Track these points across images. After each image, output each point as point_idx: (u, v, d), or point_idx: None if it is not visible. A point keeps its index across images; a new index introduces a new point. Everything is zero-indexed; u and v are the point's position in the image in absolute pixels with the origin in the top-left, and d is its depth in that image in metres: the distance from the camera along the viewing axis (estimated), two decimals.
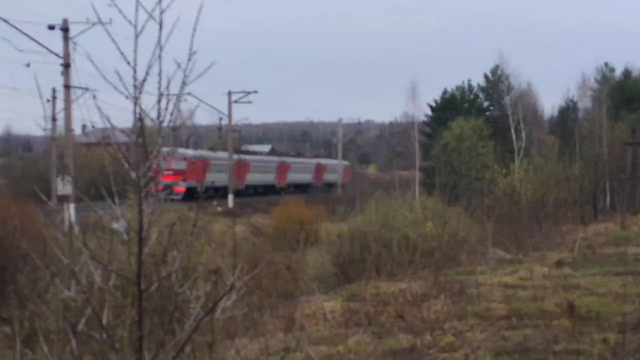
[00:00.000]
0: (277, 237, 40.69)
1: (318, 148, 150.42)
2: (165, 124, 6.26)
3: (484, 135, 63.99)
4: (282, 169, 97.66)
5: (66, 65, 42.23)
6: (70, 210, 34.74)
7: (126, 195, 11.41)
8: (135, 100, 6.22)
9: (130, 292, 6.45)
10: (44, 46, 42.15)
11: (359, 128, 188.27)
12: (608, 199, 65.28)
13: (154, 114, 6.20)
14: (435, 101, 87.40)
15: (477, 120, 66.90)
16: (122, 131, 6.96)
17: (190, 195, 60.56)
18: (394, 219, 25.05)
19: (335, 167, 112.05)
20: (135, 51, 6.17)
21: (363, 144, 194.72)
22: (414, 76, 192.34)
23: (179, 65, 6.24)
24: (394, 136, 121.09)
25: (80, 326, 6.65)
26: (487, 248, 23.98)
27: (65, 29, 42.44)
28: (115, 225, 6.66)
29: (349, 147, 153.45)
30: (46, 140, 74.05)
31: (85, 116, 56.99)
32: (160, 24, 6.17)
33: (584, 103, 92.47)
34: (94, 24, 42.26)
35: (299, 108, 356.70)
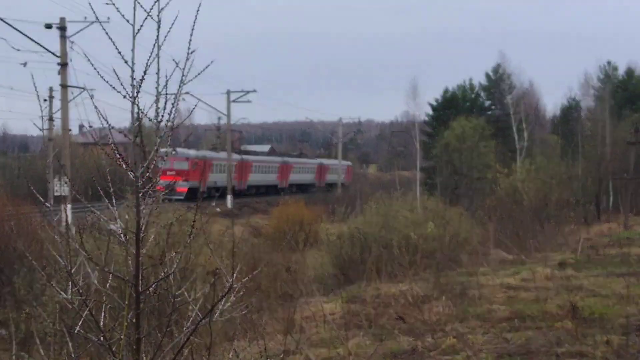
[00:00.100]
0: (277, 238, 40.68)
1: (317, 148, 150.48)
2: (163, 124, 6.18)
3: (485, 134, 63.90)
4: (285, 169, 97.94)
5: (63, 65, 42.17)
6: (67, 211, 34.66)
7: (124, 196, 11.30)
8: (133, 100, 6.15)
9: (128, 294, 6.37)
10: (41, 45, 42.07)
11: (359, 128, 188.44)
12: (611, 199, 65.27)
13: (152, 114, 6.12)
14: (436, 100, 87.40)
15: (478, 120, 66.80)
16: (120, 131, 6.87)
17: (193, 195, 60.94)
18: (395, 220, 25.01)
19: (338, 167, 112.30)
20: (133, 50, 6.10)
21: (363, 143, 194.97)
22: (414, 75, 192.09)
23: (177, 64, 6.17)
24: (394, 136, 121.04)
25: (77, 328, 6.58)
26: (488, 249, 23.95)
27: (62, 28, 42.37)
28: (112, 226, 6.57)
29: (349, 147, 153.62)
30: (43, 140, 74.05)
31: (83, 116, 57.04)
32: (159, 23, 6.10)
33: (587, 102, 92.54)
34: (91, 22, 42.32)
35: (298, 108, 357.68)
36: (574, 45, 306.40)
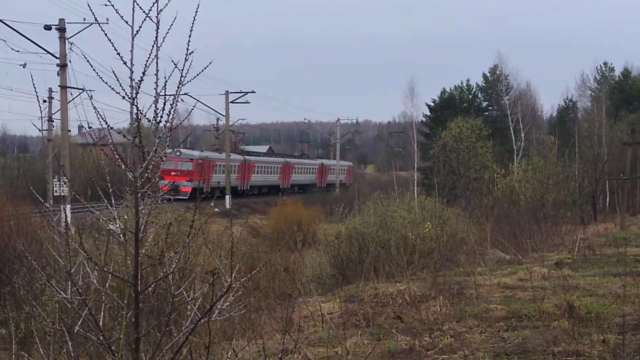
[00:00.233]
0: (275, 238, 40.68)
1: (315, 149, 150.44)
2: (162, 125, 6.21)
3: (482, 135, 63.88)
4: (286, 169, 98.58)
5: (62, 66, 42.17)
6: (67, 211, 34.65)
7: (123, 196, 11.34)
8: (132, 101, 6.19)
9: (127, 294, 6.41)
10: (41, 46, 42.14)
11: (357, 128, 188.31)
12: (607, 199, 65.28)
13: (150, 115, 6.16)
14: (434, 101, 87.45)
15: (475, 120, 66.79)
16: (119, 132, 6.92)
17: (196, 195, 61.13)
18: (393, 220, 25.00)
19: (340, 168, 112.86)
20: (131, 51, 6.14)
21: (361, 144, 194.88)
22: (412, 76, 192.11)
23: (175, 65, 6.20)
24: (392, 136, 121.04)
25: (77, 328, 6.62)
26: (486, 249, 23.97)
27: (61, 29, 42.38)
28: (111, 227, 6.61)
29: (347, 148, 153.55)
30: (42, 140, 74.04)
31: (82, 116, 57.05)
32: (157, 24, 6.13)
33: (583, 103, 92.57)
34: (90, 24, 42.32)
35: (296, 108, 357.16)
36: (570, 46, 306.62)
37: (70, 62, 42.30)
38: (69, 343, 6.94)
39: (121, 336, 6.43)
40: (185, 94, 42.75)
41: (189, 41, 6.19)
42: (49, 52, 42.20)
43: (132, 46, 6.14)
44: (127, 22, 6.10)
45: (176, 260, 6.49)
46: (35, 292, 16.26)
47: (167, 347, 6.63)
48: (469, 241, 25.41)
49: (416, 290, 15.07)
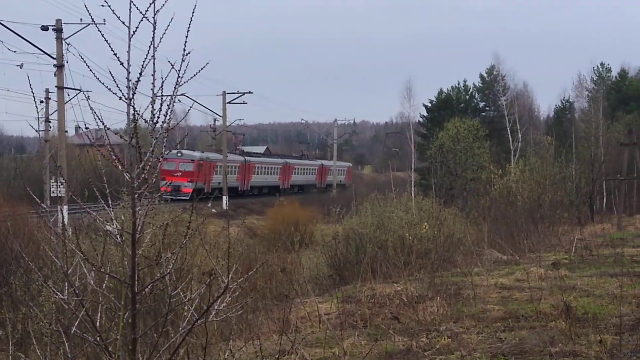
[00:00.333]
0: (272, 238, 40.67)
1: (313, 149, 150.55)
2: (159, 125, 6.20)
3: (479, 135, 63.90)
4: (286, 170, 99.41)
5: (59, 66, 42.13)
6: (64, 212, 34.63)
7: (120, 197, 11.34)
8: (129, 101, 6.17)
9: (124, 295, 6.40)
10: (38, 47, 42.07)
11: (354, 129, 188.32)
12: (604, 199, 65.33)
13: (147, 115, 6.15)
14: (431, 101, 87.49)
15: (472, 121, 66.82)
16: (116, 132, 6.91)
17: (198, 195, 62.03)
18: (390, 220, 25.01)
19: (339, 169, 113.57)
20: (128, 52, 6.13)
21: (358, 144, 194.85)
22: (409, 76, 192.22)
23: (172, 66, 6.19)
24: (389, 137, 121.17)
25: (74, 329, 6.60)
26: (483, 249, 23.97)
27: (58, 30, 42.33)
28: (108, 227, 6.60)
29: (344, 148, 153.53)
30: (39, 141, 74.01)
31: (79, 117, 56.98)
32: (154, 25, 6.12)
33: (580, 103, 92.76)
34: (87, 24, 42.26)
35: (293, 109, 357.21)
36: (567, 47, 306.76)
37: (67, 62, 42.23)
38: (66, 344, 6.93)
39: (118, 337, 6.42)
40: (182, 94, 42.82)
41: (185, 42, 6.18)
42: (45, 53, 42.17)
43: (129, 47, 6.13)
44: (123, 23, 6.10)
45: (173, 261, 6.49)
46: (32, 293, 16.26)
47: (164, 348, 6.63)
48: (466, 242, 25.43)
49: (413, 290, 15.07)
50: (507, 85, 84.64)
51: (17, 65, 43.54)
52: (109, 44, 6.09)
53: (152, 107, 6.12)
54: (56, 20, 42.53)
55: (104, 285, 6.66)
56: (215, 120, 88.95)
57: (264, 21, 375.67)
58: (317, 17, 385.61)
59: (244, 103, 79.15)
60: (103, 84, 6.23)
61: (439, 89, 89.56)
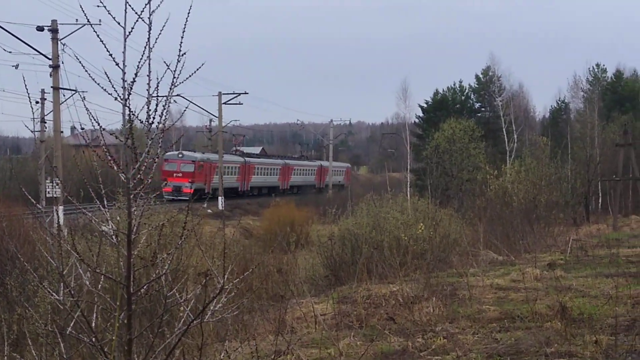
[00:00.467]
0: (268, 239, 40.65)
1: (309, 150, 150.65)
2: (154, 126, 6.20)
3: (475, 136, 63.97)
4: (286, 171, 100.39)
5: (55, 67, 42.09)
6: (59, 212, 34.58)
7: (115, 198, 11.32)
8: (125, 102, 6.17)
9: (120, 295, 6.39)
10: (33, 47, 42.05)
11: (349, 129, 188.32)
12: (600, 200, 65.40)
13: (143, 116, 6.15)
14: (427, 102, 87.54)
15: (468, 122, 66.89)
16: (112, 133, 6.90)
17: (198, 196, 63.14)
18: (385, 221, 25.01)
19: (338, 169, 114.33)
20: (124, 52, 6.12)
21: (354, 145, 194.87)
22: (405, 77, 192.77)
23: (168, 66, 6.19)
24: (385, 138, 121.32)
25: (69, 329, 6.60)
26: (478, 250, 23.94)
27: (54, 30, 42.29)
28: (104, 228, 6.60)
29: (340, 149, 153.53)
30: (35, 141, 73.96)
31: (75, 118, 56.97)
32: (150, 25, 6.12)
33: (576, 104, 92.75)
34: (83, 25, 42.22)
35: (289, 109, 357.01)
36: (563, 48, 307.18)
37: (62, 63, 42.22)
38: (62, 344, 6.93)
39: (114, 338, 6.42)
40: (177, 95, 42.85)
41: (181, 42, 6.18)
42: (41, 53, 42.13)
43: (125, 47, 6.13)
44: (119, 23, 6.09)
45: (169, 262, 6.49)
46: (28, 294, 16.24)
47: (159, 348, 6.63)
48: (462, 242, 25.42)
49: (409, 291, 15.06)
50: (503, 86, 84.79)
51: (13, 66, 43.54)
52: (104, 44, 6.09)
53: (148, 107, 6.12)
54: (52, 20, 42.54)
55: (99, 285, 6.65)
56: (211, 120, 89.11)
57: (260, 22, 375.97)
58: (313, 18, 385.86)
59: (239, 104, 79.30)
60: (99, 84, 6.23)
61: (435, 89, 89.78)
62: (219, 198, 68.27)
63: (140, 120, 6.14)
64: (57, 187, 43.98)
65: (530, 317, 12.66)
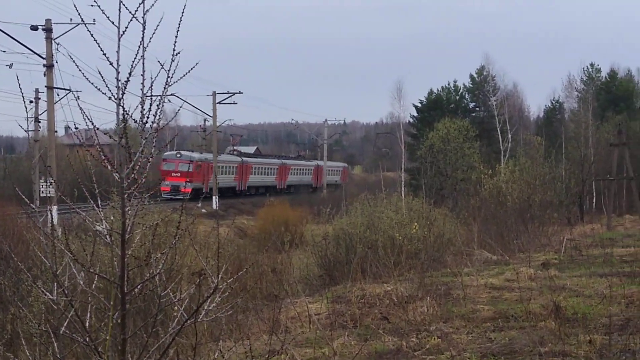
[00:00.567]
0: (262, 238, 40.65)
1: (303, 149, 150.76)
2: (148, 125, 6.19)
3: (469, 136, 63.99)
4: (283, 171, 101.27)
5: (49, 66, 42.02)
6: (53, 212, 34.54)
7: (109, 197, 11.31)
8: (119, 101, 6.16)
9: (114, 295, 6.39)
10: (27, 47, 41.95)
11: (344, 129, 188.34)
12: (594, 200, 65.50)
13: (137, 115, 6.14)
14: (421, 102, 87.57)
15: (463, 121, 66.93)
16: (106, 132, 6.89)
17: (196, 195, 63.87)
18: (380, 221, 25.01)
19: (335, 169, 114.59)
20: (118, 52, 6.11)
21: (349, 145, 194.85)
22: (399, 77, 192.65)
23: (162, 65, 6.18)
24: (379, 137, 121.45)
25: (63, 329, 6.59)
26: (473, 249, 23.98)
27: (48, 30, 42.21)
28: (98, 227, 6.59)
29: (334, 149, 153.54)
30: (29, 141, 73.87)
31: (69, 117, 56.92)
32: (144, 25, 6.11)
33: (570, 104, 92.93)
34: (77, 24, 42.13)
35: (283, 109, 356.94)
36: (557, 48, 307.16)
37: (56, 62, 42.12)
38: (55, 344, 6.92)
39: (108, 337, 6.41)
40: (172, 94, 42.83)
41: (175, 42, 6.17)
42: (35, 53, 42.07)
43: (119, 47, 6.12)
44: (113, 23, 6.09)
45: (163, 261, 6.48)
46: (22, 294, 16.22)
47: (153, 348, 6.62)
48: (456, 242, 25.44)
49: (403, 291, 15.07)
50: (497, 86, 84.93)
51: (7, 65, 43.51)
52: (98, 44, 6.08)
53: (142, 107, 6.11)
54: (46, 20, 42.44)
55: (93, 285, 6.64)
56: (205, 120, 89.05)
57: (254, 22, 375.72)
58: (308, 18, 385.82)
59: (234, 103, 79.54)
60: (92, 84, 6.22)
61: (429, 89, 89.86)
62: (213, 197, 68.31)
63: (134, 119, 6.13)
64: (50, 186, 43.89)
65: (524, 316, 12.68)
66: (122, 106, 6.14)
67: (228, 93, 76.09)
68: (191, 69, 6.46)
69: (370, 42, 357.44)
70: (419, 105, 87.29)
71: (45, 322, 7.34)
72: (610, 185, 46.46)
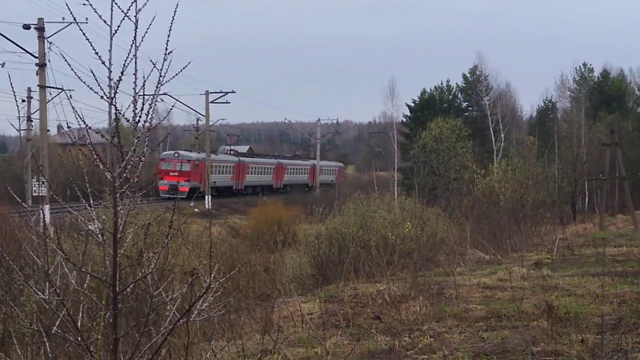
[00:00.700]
0: (255, 238, 40.64)
1: (296, 149, 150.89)
2: (141, 125, 6.18)
3: (462, 135, 64.04)
4: (279, 170, 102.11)
5: (41, 65, 41.98)
6: (45, 211, 34.46)
7: (102, 197, 11.28)
8: (111, 101, 6.15)
9: (105, 294, 6.37)
10: (19, 46, 42.05)
11: (337, 128, 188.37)
12: (586, 199, 65.64)
13: (129, 115, 6.13)
14: (414, 101, 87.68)
15: (455, 121, 66.98)
16: (98, 132, 6.88)
17: (194, 194, 64.52)
18: (373, 220, 25.01)
19: (330, 168, 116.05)
20: (110, 51, 6.10)
21: (341, 144, 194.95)
22: (392, 76, 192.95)
23: (154, 65, 6.17)
24: (372, 137, 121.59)
25: (55, 329, 6.58)
26: (465, 249, 23.99)
27: (40, 29, 42.18)
28: (90, 227, 6.58)
29: (327, 148, 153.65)
30: (21, 140, 73.78)
31: (61, 116, 56.87)
32: (136, 24, 6.10)
33: (563, 103, 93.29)
34: (69, 23, 42.12)
35: (276, 109, 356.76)
36: (550, 48, 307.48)
37: (49, 61, 42.10)
38: (47, 344, 6.90)
39: (100, 337, 6.40)
40: (164, 93, 42.82)
41: (167, 41, 6.16)
42: (27, 52, 42.03)
43: (111, 46, 6.11)
44: (105, 22, 6.08)
45: (155, 261, 6.47)
46: (14, 293, 16.18)
47: (145, 347, 6.61)
48: (449, 241, 25.44)
49: (396, 290, 15.07)
50: (490, 85, 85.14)
51: None
52: (90, 43, 6.07)
53: (134, 106, 6.10)
54: (38, 19, 42.41)
55: (85, 285, 6.63)
56: (198, 119, 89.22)
57: (247, 21, 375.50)
58: (301, 17, 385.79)
59: (227, 102, 79.41)
60: (85, 83, 6.21)
61: (422, 89, 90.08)
62: (206, 197, 68.35)
63: (126, 118, 6.12)
64: (43, 185, 43.83)
65: (516, 316, 12.68)
66: (115, 105, 6.13)
67: (221, 92, 76.28)
68: (183, 68, 6.46)
69: (363, 42, 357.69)
70: (412, 104, 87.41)
71: (37, 322, 7.32)
72: (602, 185, 46.55)
